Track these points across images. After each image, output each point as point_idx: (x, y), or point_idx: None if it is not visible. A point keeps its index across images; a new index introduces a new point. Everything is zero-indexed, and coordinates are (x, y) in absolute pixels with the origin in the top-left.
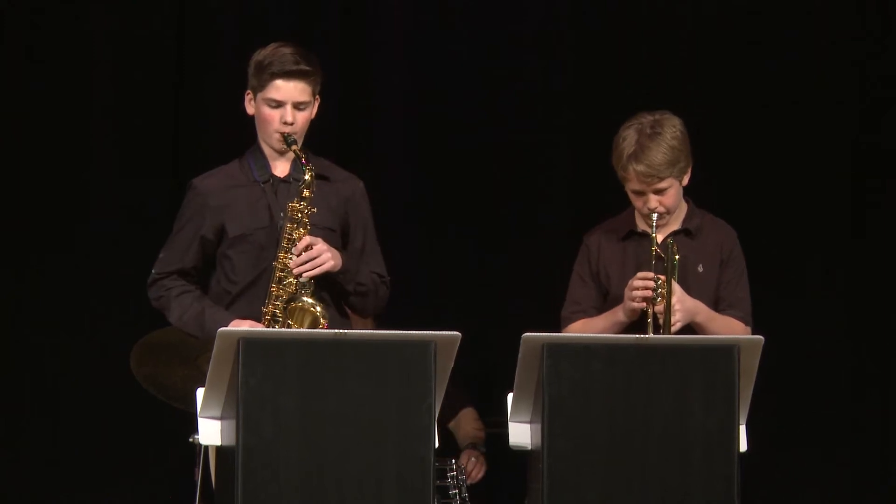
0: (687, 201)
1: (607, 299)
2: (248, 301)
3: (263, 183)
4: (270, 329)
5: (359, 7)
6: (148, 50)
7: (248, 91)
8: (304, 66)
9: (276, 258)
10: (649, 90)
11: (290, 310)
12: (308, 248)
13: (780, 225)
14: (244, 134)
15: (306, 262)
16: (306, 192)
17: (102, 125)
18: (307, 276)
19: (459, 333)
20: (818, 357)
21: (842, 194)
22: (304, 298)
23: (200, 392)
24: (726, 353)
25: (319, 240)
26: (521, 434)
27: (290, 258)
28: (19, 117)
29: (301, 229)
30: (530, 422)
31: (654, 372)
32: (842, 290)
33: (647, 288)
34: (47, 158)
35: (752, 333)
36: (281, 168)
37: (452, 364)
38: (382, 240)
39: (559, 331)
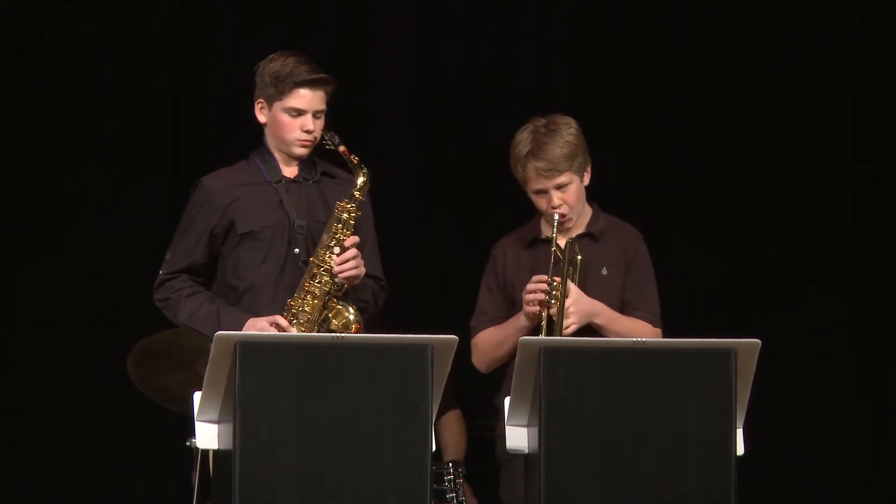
0: (591, 205)
1: (515, 307)
2: (254, 298)
3: (275, 183)
4: (268, 332)
5: (359, 7)
6: (148, 50)
7: (260, 100)
8: (325, 75)
9: (315, 254)
10: (649, 90)
11: (331, 306)
12: (356, 246)
13: (779, 226)
14: (244, 134)
15: (349, 260)
16: (357, 195)
17: (102, 125)
18: (345, 276)
19: (457, 337)
20: (816, 360)
21: (842, 196)
22: (349, 307)
23: (197, 396)
24: (723, 356)
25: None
26: (518, 438)
27: (331, 257)
28: (19, 117)
29: (346, 230)
30: (527, 425)
31: (650, 375)
32: (840, 293)
33: (539, 291)
34: (47, 158)
35: (749, 337)
36: (290, 169)
37: (450, 367)
38: (382, 240)
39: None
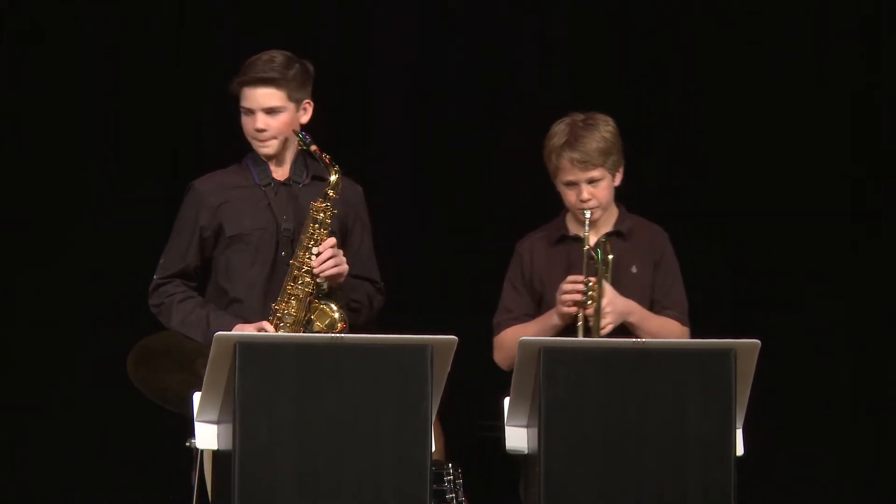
0: (618, 206)
1: (542, 305)
2: (244, 301)
3: (265, 186)
4: (267, 333)
5: (359, 7)
6: (148, 50)
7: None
8: (269, 74)
9: (294, 256)
10: (649, 90)
11: (313, 308)
12: (333, 247)
13: (779, 226)
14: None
15: (328, 259)
16: (331, 193)
17: (102, 126)
18: (327, 276)
19: (456, 337)
20: (816, 360)
21: (842, 196)
22: (331, 304)
23: (197, 396)
24: (723, 356)
25: (335, 245)
26: (517, 438)
27: (311, 257)
28: (19, 117)
29: (323, 230)
30: (527, 426)
31: (650, 376)
32: (840, 293)
33: (576, 291)
34: (47, 159)
35: (749, 337)
36: (280, 172)
37: (449, 368)
38: (381, 241)
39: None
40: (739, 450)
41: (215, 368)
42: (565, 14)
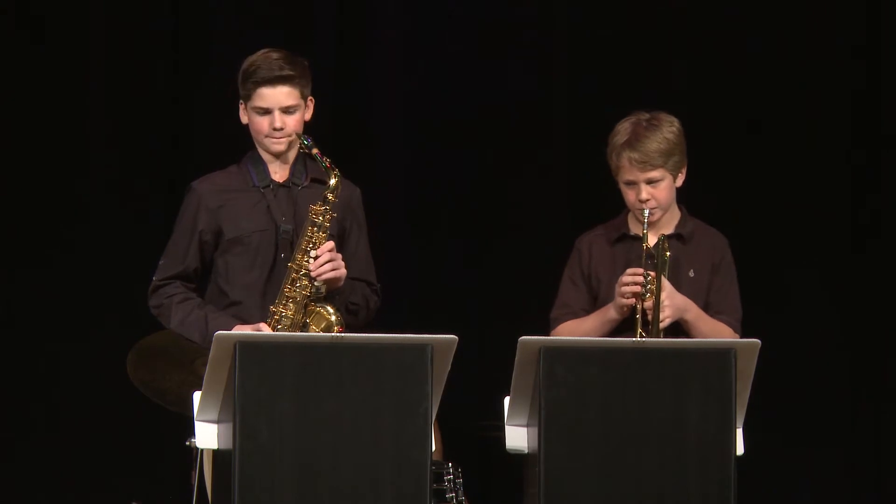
0: (680, 208)
1: (598, 303)
2: (244, 305)
3: (263, 188)
4: (267, 333)
5: (358, 8)
6: (146, 51)
7: (241, 101)
8: (286, 72)
9: (293, 259)
10: (649, 91)
11: (310, 311)
12: (331, 251)
13: (778, 226)
14: (243, 134)
15: (326, 263)
16: (330, 196)
17: (101, 128)
18: (324, 279)
19: (456, 337)
20: (815, 359)
21: (841, 198)
22: (327, 307)
23: (197, 396)
24: (723, 356)
25: (334, 249)
26: (517, 438)
27: (309, 260)
28: (17, 119)
29: (321, 233)
30: (527, 425)
31: (650, 375)
32: (840, 293)
33: (636, 283)
34: (45, 161)
35: (747, 337)
36: (280, 173)
37: (449, 368)
38: (379, 242)
39: (548, 333)
40: (739, 450)
41: (215, 368)
42: (564, 16)
